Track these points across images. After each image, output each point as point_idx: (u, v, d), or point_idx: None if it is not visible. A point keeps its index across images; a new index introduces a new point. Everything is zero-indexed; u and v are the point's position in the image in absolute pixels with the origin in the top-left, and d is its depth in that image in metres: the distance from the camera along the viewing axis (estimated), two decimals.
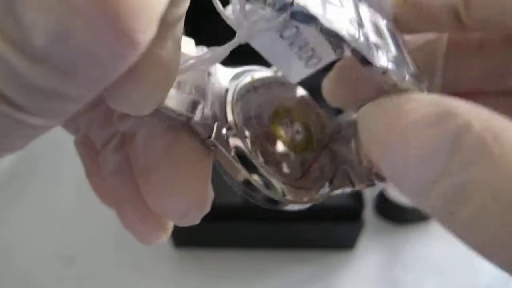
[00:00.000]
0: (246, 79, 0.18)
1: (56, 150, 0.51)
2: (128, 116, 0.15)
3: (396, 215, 0.49)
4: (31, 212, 0.49)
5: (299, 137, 0.17)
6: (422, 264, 0.46)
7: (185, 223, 0.16)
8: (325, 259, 0.46)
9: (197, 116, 0.15)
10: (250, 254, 0.46)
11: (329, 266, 0.46)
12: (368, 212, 0.49)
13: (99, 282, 0.44)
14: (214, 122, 0.16)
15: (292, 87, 0.19)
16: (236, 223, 0.44)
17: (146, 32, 0.09)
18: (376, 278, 0.45)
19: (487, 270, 0.46)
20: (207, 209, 0.16)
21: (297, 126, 0.18)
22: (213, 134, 0.15)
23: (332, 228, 0.45)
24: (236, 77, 0.18)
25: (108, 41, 0.08)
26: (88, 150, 0.18)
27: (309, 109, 0.19)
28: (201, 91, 0.16)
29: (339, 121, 0.19)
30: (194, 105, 0.15)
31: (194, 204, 0.16)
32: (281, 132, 0.17)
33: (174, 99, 0.14)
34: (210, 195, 0.16)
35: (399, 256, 0.47)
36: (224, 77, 0.17)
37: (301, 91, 0.19)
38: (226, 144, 0.15)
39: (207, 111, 0.16)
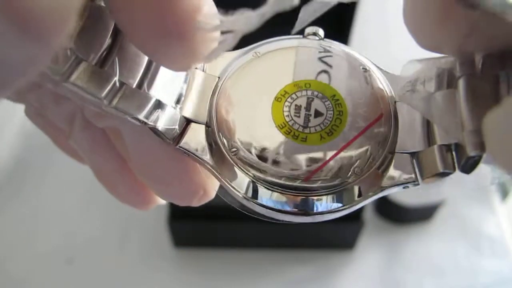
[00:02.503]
0: (246, 57, 0.15)
1: (55, 150, 0.51)
2: (108, 116, 0.14)
3: (396, 215, 0.49)
4: (30, 212, 0.48)
5: (316, 122, 0.14)
6: (422, 264, 0.46)
7: (190, 204, 0.16)
8: (325, 259, 0.46)
9: (152, 119, 0.13)
10: (250, 254, 0.46)
11: (329, 266, 0.46)
12: (368, 212, 0.49)
13: (99, 282, 0.44)
14: (186, 125, 0.14)
15: (320, 49, 0.15)
16: (236, 223, 0.44)
17: (59, 34, 0.08)
18: (376, 278, 0.45)
19: (487, 270, 0.46)
20: (211, 196, 0.16)
21: (317, 105, 0.14)
22: (182, 139, 0.14)
23: (332, 228, 0.45)
24: (235, 59, 0.15)
25: (16, 43, 0.08)
26: (43, 120, 0.16)
27: (350, 74, 0.15)
28: (175, 88, 0.14)
29: (406, 75, 0.14)
30: (155, 107, 0.13)
31: (197, 192, 0.15)
32: (285, 119, 0.14)
33: (126, 98, 0.12)
34: (212, 182, 0.15)
35: (399, 256, 0.47)
36: (217, 63, 0.15)
37: (338, 49, 0.15)
38: (199, 149, 0.14)
39: (174, 112, 0.14)
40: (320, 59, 0.15)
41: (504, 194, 0.52)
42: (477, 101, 0.12)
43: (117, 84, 0.12)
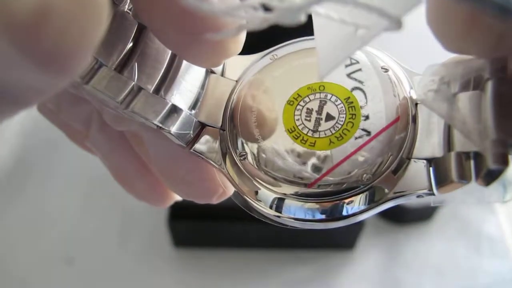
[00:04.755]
0: (264, 61, 0.15)
1: (55, 151, 0.51)
2: (126, 120, 0.15)
3: (396, 215, 0.49)
4: (31, 212, 0.48)
5: (327, 126, 0.14)
6: (422, 264, 0.46)
7: (209, 202, 0.16)
8: (325, 259, 0.46)
9: (167, 124, 0.13)
10: (250, 254, 0.46)
11: (329, 266, 0.46)
12: None
13: (99, 282, 0.44)
14: (201, 129, 0.14)
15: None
16: (236, 223, 0.44)
17: (79, 64, 0.08)
18: (376, 278, 0.45)
19: (487, 270, 0.46)
20: (230, 192, 0.16)
21: (330, 108, 0.14)
22: (196, 143, 0.14)
23: (332, 228, 0.45)
24: (253, 63, 0.15)
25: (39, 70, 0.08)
26: (58, 118, 0.17)
27: (366, 77, 0.14)
28: (192, 93, 0.14)
29: (428, 76, 0.13)
30: (171, 112, 0.13)
31: (217, 191, 0.15)
32: (295, 123, 0.14)
33: (143, 103, 0.13)
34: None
35: (399, 256, 0.47)
36: (236, 67, 0.15)
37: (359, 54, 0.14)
38: (214, 155, 0.14)
39: (190, 117, 0.14)
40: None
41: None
42: (505, 108, 0.11)
43: (135, 89, 0.13)
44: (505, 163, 0.10)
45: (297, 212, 0.14)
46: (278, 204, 0.13)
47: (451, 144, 0.13)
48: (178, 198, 0.18)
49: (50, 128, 0.17)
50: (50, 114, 0.17)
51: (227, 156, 0.14)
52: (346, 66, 0.14)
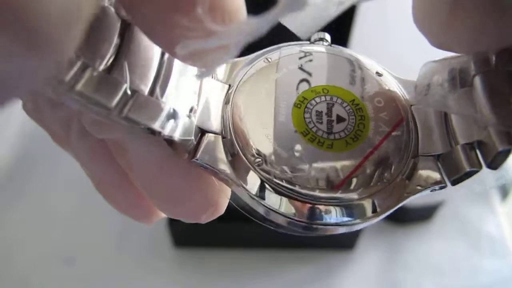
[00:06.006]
0: (258, 64, 0.14)
1: (56, 150, 0.51)
2: (108, 126, 0.13)
3: (396, 215, 0.48)
4: (31, 212, 0.48)
5: (339, 127, 0.13)
6: (422, 264, 0.46)
7: (197, 221, 0.15)
8: (325, 259, 0.46)
9: (167, 130, 0.12)
10: (250, 254, 0.46)
11: (329, 266, 0.46)
12: None
13: (99, 282, 0.44)
14: (201, 136, 0.13)
15: (336, 57, 0.15)
16: (236, 223, 0.44)
17: (65, 44, 0.07)
18: (376, 278, 0.45)
19: (487, 270, 0.46)
20: (221, 211, 0.15)
21: (338, 110, 0.14)
22: (198, 152, 0.13)
23: None
24: (246, 65, 0.14)
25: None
26: (44, 126, 0.15)
27: (366, 79, 0.14)
28: (187, 96, 0.13)
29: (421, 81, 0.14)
30: (170, 116, 0.12)
31: (206, 209, 0.14)
32: (308, 125, 0.13)
33: (138, 107, 0.11)
34: (225, 197, 0.15)
35: (399, 256, 0.47)
36: (225, 69, 0.14)
37: (347, 54, 0.15)
38: (216, 163, 0.13)
39: (190, 121, 0.13)
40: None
41: (504, 194, 0.52)
42: (497, 96, 0.12)
43: (128, 92, 0.11)
44: (511, 143, 0.11)
45: (328, 218, 0.13)
46: (311, 212, 0.13)
47: (454, 138, 0.13)
48: (163, 215, 0.16)
49: None
50: (33, 114, 0.15)
51: (234, 163, 0.13)
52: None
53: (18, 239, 0.47)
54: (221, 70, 0.14)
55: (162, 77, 0.12)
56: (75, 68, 0.10)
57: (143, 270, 0.45)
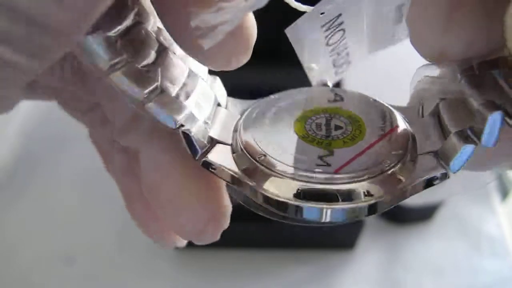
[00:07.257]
0: (265, 99, 0.16)
1: (56, 150, 0.51)
2: (129, 130, 0.15)
3: (396, 215, 0.49)
4: (31, 212, 0.49)
5: (337, 132, 0.15)
6: (422, 264, 0.46)
7: (204, 240, 0.15)
8: (325, 259, 0.46)
9: (185, 124, 0.13)
10: (250, 254, 0.46)
11: (329, 266, 0.46)
12: None
13: (100, 282, 0.44)
14: (212, 145, 0.14)
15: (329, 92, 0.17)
16: (236, 223, 0.44)
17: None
18: (376, 278, 0.45)
19: (487, 270, 0.46)
20: (225, 223, 0.15)
21: (336, 121, 0.15)
22: (208, 155, 0.14)
23: (332, 228, 0.45)
24: (253, 104, 0.16)
25: None
26: (98, 146, 0.18)
27: (361, 100, 0.16)
28: (206, 107, 0.15)
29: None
30: (188, 118, 0.14)
31: (210, 219, 0.15)
32: (308, 132, 0.15)
33: (164, 103, 0.13)
34: (227, 208, 0.15)
35: (399, 256, 0.47)
36: (237, 107, 0.16)
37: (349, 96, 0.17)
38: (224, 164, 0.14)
39: (205, 127, 0.14)
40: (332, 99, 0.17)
41: (504, 194, 0.52)
42: (483, 90, 0.12)
43: (158, 88, 0.13)
44: (499, 108, 0.12)
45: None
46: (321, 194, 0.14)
47: (447, 132, 0.14)
48: (179, 243, 0.18)
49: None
50: (95, 143, 0.18)
51: (249, 172, 0.14)
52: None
53: (18, 239, 0.47)
54: (232, 106, 0.16)
55: (186, 90, 0.14)
56: (120, 58, 0.12)
57: (143, 270, 0.45)
